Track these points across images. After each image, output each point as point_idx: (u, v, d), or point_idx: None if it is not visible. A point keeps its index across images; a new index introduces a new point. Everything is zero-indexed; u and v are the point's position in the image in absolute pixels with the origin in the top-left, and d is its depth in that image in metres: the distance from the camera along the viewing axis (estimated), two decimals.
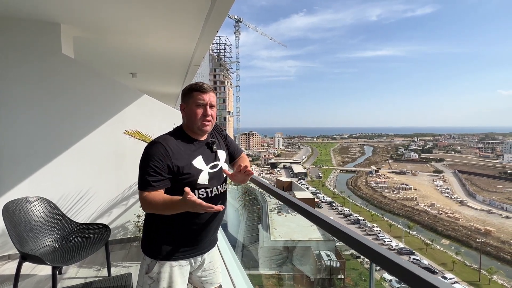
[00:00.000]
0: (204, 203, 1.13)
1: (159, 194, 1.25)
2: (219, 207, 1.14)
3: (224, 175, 1.47)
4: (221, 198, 1.46)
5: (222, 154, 1.50)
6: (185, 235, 1.38)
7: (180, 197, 1.16)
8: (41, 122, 3.15)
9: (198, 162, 1.36)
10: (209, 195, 1.38)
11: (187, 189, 1.13)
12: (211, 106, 1.39)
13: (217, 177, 1.43)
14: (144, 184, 1.25)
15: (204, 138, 1.45)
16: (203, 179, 1.35)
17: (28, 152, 3.11)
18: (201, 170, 1.36)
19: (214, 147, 1.46)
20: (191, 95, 1.36)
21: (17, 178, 3.08)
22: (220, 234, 3.35)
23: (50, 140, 3.20)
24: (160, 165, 1.26)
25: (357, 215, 54.47)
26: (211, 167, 1.40)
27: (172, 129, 1.45)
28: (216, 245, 1.61)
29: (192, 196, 1.13)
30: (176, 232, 1.36)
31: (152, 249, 1.37)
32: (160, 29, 3.39)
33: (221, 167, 1.45)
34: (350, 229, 0.90)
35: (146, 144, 1.35)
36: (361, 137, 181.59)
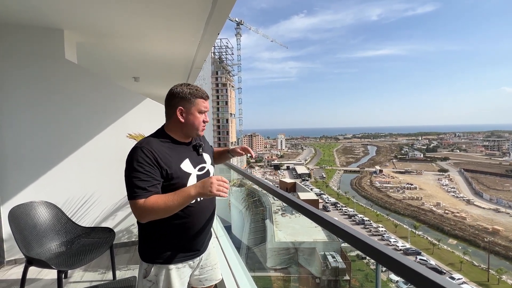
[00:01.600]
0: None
1: (159, 196, 1.19)
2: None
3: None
4: (210, 200, 1.46)
5: (207, 157, 1.51)
6: (182, 240, 1.38)
7: (192, 185, 1.20)
8: (45, 127, 3.17)
9: (186, 165, 1.34)
10: (198, 198, 1.36)
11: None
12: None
13: None
14: (139, 190, 1.16)
15: (189, 141, 1.44)
16: (192, 182, 1.33)
17: (32, 157, 3.14)
18: (189, 174, 1.34)
19: (201, 150, 1.46)
20: (194, 102, 1.34)
21: (22, 182, 3.11)
22: (225, 236, 3.35)
23: (54, 144, 3.22)
24: (152, 169, 1.20)
25: (362, 215, 54.13)
26: (199, 170, 1.40)
27: (153, 132, 1.40)
28: (211, 243, 1.61)
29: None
30: (173, 236, 1.35)
31: (149, 254, 1.36)
32: (162, 32, 3.41)
33: (208, 170, 1.46)
34: (355, 230, 0.89)
35: None
36: (364, 137, 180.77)
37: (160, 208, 1.15)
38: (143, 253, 1.38)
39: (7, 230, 2.97)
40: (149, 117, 3.56)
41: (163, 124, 1.43)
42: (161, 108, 3.63)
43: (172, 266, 1.36)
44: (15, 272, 2.90)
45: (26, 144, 3.10)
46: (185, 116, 1.34)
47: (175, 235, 1.35)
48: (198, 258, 1.48)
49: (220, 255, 2.88)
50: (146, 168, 1.19)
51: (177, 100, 1.34)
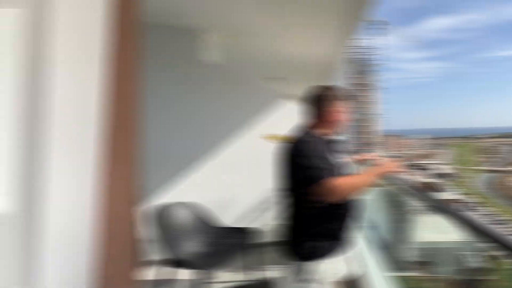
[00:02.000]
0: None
1: (344, 177, 1.35)
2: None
3: None
4: None
5: (339, 154, 1.64)
6: (338, 230, 1.43)
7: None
8: (185, 126, 3.30)
9: (333, 159, 1.45)
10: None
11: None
12: None
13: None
14: (325, 171, 1.28)
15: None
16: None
17: (172, 156, 3.22)
18: (336, 167, 1.44)
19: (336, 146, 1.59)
20: (346, 102, 1.52)
21: (162, 183, 3.20)
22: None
23: (193, 143, 3.33)
24: (324, 157, 1.35)
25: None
26: (338, 163, 1.48)
27: (300, 130, 1.49)
28: None
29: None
30: (331, 227, 1.41)
31: (305, 252, 1.39)
32: (303, 31, 3.17)
33: (342, 165, 1.55)
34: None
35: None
36: None
37: (351, 184, 1.32)
38: (300, 251, 1.40)
39: (147, 230, 2.74)
40: (283, 117, 3.44)
41: (304, 123, 1.51)
42: (295, 108, 3.00)
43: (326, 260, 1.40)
44: (161, 273, 2.55)
45: (167, 143, 3.19)
46: (340, 115, 1.49)
47: (335, 225, 1.42)
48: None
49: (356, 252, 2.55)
50: (322, 155, 1.35)
51: (335, 101, 1.46)
